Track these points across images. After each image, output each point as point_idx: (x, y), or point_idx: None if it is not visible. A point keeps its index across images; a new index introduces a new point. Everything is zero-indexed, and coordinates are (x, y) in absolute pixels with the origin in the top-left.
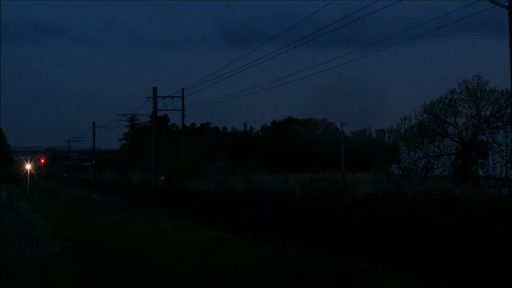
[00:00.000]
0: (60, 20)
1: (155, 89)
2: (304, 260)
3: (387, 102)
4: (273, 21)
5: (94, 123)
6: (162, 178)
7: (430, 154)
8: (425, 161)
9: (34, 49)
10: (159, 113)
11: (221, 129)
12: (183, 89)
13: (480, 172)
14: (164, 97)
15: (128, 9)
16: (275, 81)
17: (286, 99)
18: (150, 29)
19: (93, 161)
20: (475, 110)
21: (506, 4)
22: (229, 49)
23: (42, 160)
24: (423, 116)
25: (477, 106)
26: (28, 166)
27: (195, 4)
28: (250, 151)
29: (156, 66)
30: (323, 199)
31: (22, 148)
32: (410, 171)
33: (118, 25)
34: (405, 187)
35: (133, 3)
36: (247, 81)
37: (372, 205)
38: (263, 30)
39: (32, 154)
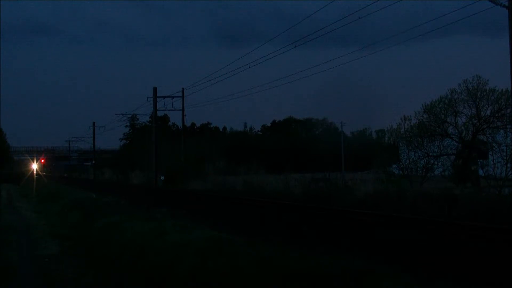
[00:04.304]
0: (54, 20)
1: (155, 89)
2: (304, 260)
3: (387, 102)
4: (272, 21)
5: (94, 123)
6: (162, 178)
7: (430, 154)
8: (425, 161)
9: (29, 49)
10: (159, 113)
11: (221, 129)
12: (183, 89)
13: (480, 172)
14: (164, 97)
15: (124, 9)
16: (275, 81)
17: (286, 99)
18: (146, 29)
19: (93, 161)
20: (475, 110)
21: (506, 4)
22: (227, 49)
23: (42, 160)
24: (423, 116)
25: (477, 106)
26: (34, 166)
27: (190, 4)
28: (250, 151)
29: (155, 66)
30: (323, 199)
31: (21, 148)
32: (410, 171)
33: (113, 25)
34: (405, 187)
35: (129, 3)
36: (247, 81)
37: (372, 205)
38: (261, 30)
39: (37, 154)
